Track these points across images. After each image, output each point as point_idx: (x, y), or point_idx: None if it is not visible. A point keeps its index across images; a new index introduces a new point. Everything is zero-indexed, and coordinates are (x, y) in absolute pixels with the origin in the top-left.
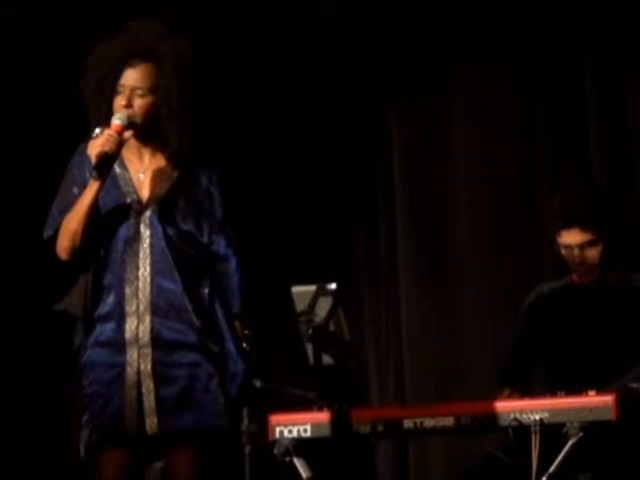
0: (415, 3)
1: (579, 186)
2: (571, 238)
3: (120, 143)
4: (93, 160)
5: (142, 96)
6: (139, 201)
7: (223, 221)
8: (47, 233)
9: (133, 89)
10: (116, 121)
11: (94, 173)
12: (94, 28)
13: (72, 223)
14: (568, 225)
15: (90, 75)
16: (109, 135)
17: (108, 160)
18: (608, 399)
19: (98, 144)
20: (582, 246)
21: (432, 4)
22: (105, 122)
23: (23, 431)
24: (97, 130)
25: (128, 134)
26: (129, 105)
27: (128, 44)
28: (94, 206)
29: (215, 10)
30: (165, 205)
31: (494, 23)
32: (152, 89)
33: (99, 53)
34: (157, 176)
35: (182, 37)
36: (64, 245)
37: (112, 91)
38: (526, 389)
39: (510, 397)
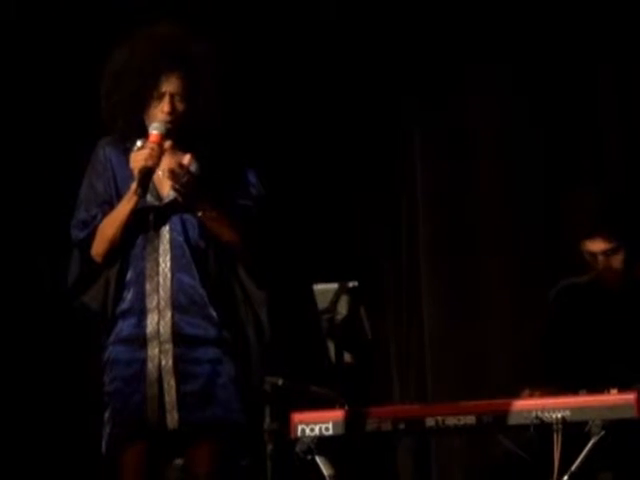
0: (435, 8)
1: (599, 193)
2: (595, 246)
3: (161, 154)
4: (136, 174)
5: (180, 102)
6: (158, 197)
7: (243, 216)
8: (77, 235)
9: (173, 95)
10: (154, 131)
11: (139, 191)
12: (95, 29)
13: (109, 231)
14: (591, 234)
15: (121, 84)
16: (152, 149)
17: (150, 174)
18: (630, 397)
19: (141, 158)
20: (606, 253)
21: (453, 10)
22: (137, 130)
23: (46, 427)
24: (139, 143)
25: (167, 144)
26: (173, 111)
27: (159, 51)
28: (131, 216)
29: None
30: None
31: (511, 26)
32: (188, 95)
33: (125, 61)
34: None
35: (203, 39)
36: (101, 250)
37: (149, 99)
38: (567, 386)
39: (531, 396)
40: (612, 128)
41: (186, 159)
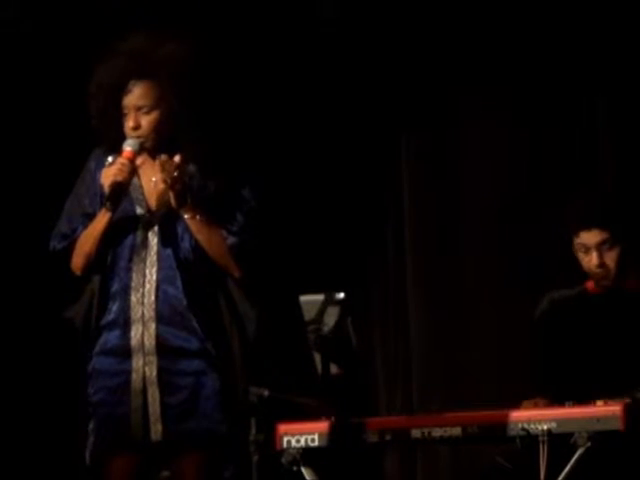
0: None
1: (594, 188)
2: (591, 238)
3: (133, 170)
4: (106, 189)
5: (147, 113)
6: (148, 209)
7: (233, 224)
8: (54, 245)
9: (137, 108)
10: (127, 147)
11: (108, 204)
12: (95, 28)
13: (86, 246)
14: (587, 225)
15: (93, 103)
16: (122, 164)
17: (121, 189)
18: (616, 409)
19: (111, 173)
20: (600, 246)
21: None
22: (116, 147)
23: (32, 438)
24: (110, 159)
25: (140, 160)
26: (137, 126)
27: (123, 65)
28: (107, 230)
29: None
30: (173, 212)
31: (504, 35)
32: (155, 103)
33: (97, 80)
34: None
35: (176, 39)
36: (79, 263)
37: (119, 116)
38: (558, 397)
39: (536, 405)
40: (607, 146)
41: (176, 158)
